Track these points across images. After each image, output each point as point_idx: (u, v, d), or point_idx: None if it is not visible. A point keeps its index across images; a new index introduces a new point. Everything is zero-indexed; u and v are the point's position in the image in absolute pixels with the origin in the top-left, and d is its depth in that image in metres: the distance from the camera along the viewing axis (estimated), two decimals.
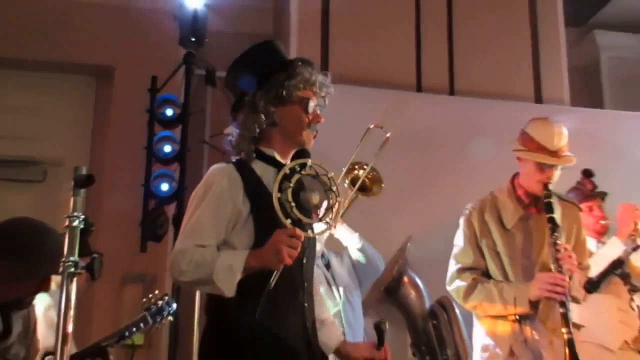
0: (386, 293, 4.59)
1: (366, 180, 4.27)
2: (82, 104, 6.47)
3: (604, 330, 3.40)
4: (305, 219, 2.34)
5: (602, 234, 4.26)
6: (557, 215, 3.41)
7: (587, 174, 4.29)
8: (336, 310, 4.05)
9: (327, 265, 4.29)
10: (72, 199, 2.05)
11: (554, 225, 3.32)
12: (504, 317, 3.40)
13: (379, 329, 2.66)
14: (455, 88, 5.93)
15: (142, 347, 5.28)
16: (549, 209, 3.38)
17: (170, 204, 5.49)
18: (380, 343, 2.63)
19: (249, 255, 2.40)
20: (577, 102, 6.39)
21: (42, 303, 3.46)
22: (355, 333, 4.12)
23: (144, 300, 3.46)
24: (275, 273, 2.32)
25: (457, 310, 3.91)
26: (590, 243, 4.20)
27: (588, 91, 6.95)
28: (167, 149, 5.50)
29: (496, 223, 3.51)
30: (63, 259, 2.01)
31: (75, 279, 2.01)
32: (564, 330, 3.15)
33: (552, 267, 3.28)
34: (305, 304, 2.59)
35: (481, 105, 5.75)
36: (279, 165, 2.49)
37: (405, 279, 4.55)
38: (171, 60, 5.68)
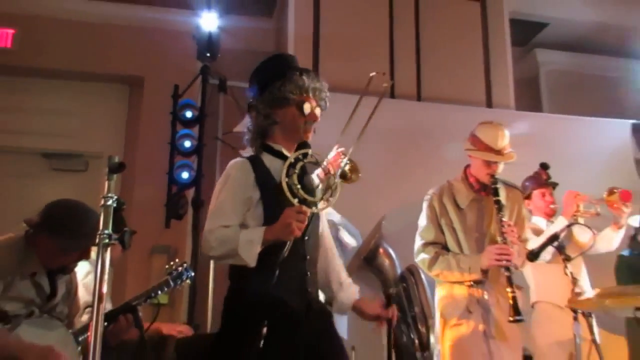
0: (365, 261, 4.59)
1: (346, 169, 4.29)
2: (117, 107, 6.45)
3: (555, 291, 3.42)
4: (309, 198, 2.37)
5: (551, 215, 4.27)
6: (502, 197, 3.46)
7: (544, 166, 4.32)
8: None
9: None
10: (106, 183, 2.06)
11: (499, 206, 3.38)
12: (460, 282, 3.42)
13: (387, 294, 2.68)
14: (422, 95, 5.92)
15: (166, 306, 5.28)
16: (496, 193, 3.42)
17: (189, 189, 5.48)
18: (387, 304, 2.65)
19: (265, 230, 2.41)
20: (521, 107, 6.42)
21: (82, 270, 3.45)
22: None
23: (167, 266, 3.47)
24: (287, 244, 2.36)
25: (422, 276, 3.92)
26: (542, 222, 4.23)
27: (529, 98, 6.97)
28: (187, 144, 5.48)
29: (452, 204, 3.54)
30: (99, 233, 2.01)
31: (109, 249, 2.01)
32: (508, 290, 3.20)
33: (499, 239, 3.33)
34: (308, 273, 2.57)
35: (443, 109, 5.78)
36: (284, 157, 2.51)
37: (381, 250, 4.55)
38: (190, 71, 5.65)
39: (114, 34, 6.22)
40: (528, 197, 4.37)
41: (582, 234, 4.14)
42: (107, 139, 6.19)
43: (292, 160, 2.39)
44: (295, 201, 2.35)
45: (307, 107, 2.59)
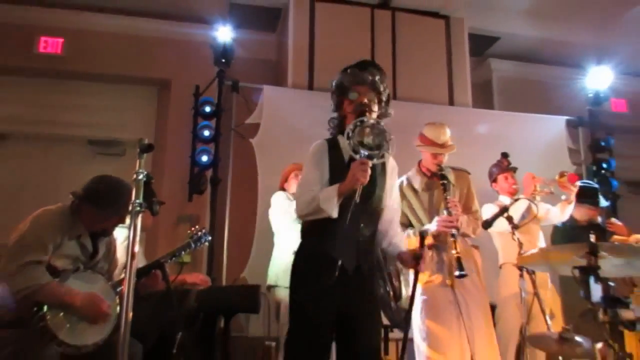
0: None
1: None
2: (149, 104, 6.40)
3: (515, 255, 3.43)
4: (370, 152, 2.32)
5: (514, 194, 4.23)
6: (452, 180, 3.52)
7: (504, 155, 4.29)
8: None
9: None
10: (138, 161, 2.06)
11: (445, 187, 3.39)
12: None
13: (421, 235, 2.61)
14: (398, 95, 5.89)
15: (188, 264, 5.28)
16: (443, 177, 3.44)
17: (208, 170, 5.45)
18: (421, 245, 2.58)
19: (339, 186, 2.37)
20: (477, 105, 6.42)
21: (121, 236, 3.45)
22: None
23: (189, 231, 3.47)
24: (357, 191, 2.29)
25: None
26: (506, 200, 4.18)
27: (484, 99, 6.95)
28: (206, 133, 5.45)
29: (410, 190, 3.57)
30: (132, 202, 2.02)
31: (140, 215, 2.01)
32: (453, 251, 3.21)
33: (445, 212, 3.33)
34: (360, 239, 2.49)
35: (415, 106, 5.74)
36: None
37: None
38: (209, 75, 5.60)
39: (146, 44, 6.17)
40: (494, 180, 4.37)
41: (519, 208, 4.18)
42: (141, 129, 6.10)
43: (352, 127, 2.34)
44: (358, 156, 2.31)
45: (352, 94, 2.56)
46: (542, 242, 4.31)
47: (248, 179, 5.38)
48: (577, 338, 2.23)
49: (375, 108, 2.57)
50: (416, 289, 2.65)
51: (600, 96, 6.32)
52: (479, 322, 3.31)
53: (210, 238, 3.49)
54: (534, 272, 3.10)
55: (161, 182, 5.74)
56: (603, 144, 6.37)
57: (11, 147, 5.97)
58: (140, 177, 2.05)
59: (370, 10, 6.10)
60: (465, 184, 3.65)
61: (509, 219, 3.35)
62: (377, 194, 2.52)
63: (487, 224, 3.33)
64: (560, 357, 2.87)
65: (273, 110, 5.49)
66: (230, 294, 3.58)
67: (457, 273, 3.17)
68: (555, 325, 3.54)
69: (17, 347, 2.44)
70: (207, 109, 5.52)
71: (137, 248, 2.02)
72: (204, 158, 5.40)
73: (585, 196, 4.45)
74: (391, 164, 2.70)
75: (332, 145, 2.58)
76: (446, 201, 3.35)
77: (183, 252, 3.24)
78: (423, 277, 3.40)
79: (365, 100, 2.51)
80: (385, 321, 3.18)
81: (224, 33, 5.53)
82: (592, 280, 2.21)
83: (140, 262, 3.03)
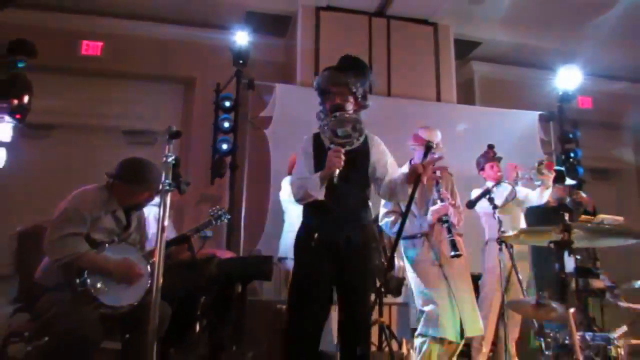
0: None
1: None
2: (176, 99, 6.34)
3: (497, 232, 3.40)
4: (342, 141, 2.38)
5: (498, 180, 4.19)
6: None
7: (490, 146, 4.23)
8: None
9: None
10: (167, 146, 2.03)
11: (437, 182, 3.33)
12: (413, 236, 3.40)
13: (427, 147, 2.62)
14: (392, 92, 5.86)
15: (210, 238, 5.28)
16: (433, 172, 3.36)
17: (227, 157, 5.38)
18: (425, 156, 2.60)
19: (320, 173, 2.41)
20: (461, 102, 6.37)
21: (153, 212, 3.43)
22: None
23: (210, 210, 3.46)
24: (334, 174, 2.33)
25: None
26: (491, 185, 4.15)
27: (467, 96, 6.87)
28: (226, 125, 5.39)
29: None
30: (162, 181, 2.00)
31: (169, 194, 1.98)
32: (447, 235, 3.18)
33: (438, 201, 3.29)
34: (347, 214, 2.51)
35: (406, 102, 5.72)
36: None
37: None
38: (228, 74, 5.53)
39: (174, 47, 6.11)
40: (482, 169, 4.31)
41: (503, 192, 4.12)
42: (170, 121, 5.88)
43: (325, 122, 2.43)
44: (332, 146, 2.38)
45: (328, 94, 2.58)
46: (522, 223, 4.26)
47: (262, 164, 5.37)
48: (552, 304, 2.18)
49: (350, 106, 2.55)
50: (411, 202, 2.61)
51: (569, 94, 6.30)
52: (466, 294, 3.27)
53: (229, 216, 3.47)
54: (512, 247, 3.05)
55: (187, 167, 5.70)
56: (571, 136, 6.35)
57: (57, 136, 5.93)
58: (170, 160, 2.03)
59: (368, 18, 6.06)
60: (449, 182, 3.56)
61: (491, 200, 3.29)
62: (360, 172, 2.56)
63: (472, 204, 3.27)
64: (534, 320, 2.84)
65: (284, 105, 5.45)
66: (246, 264, 3.56)
67: (452, 253, 3.12)
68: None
69: (61, 308, 2.41)
70: (227, 103, 5.46)
71: (166, 222, 1.98)
72: (224, 146, 5.34)
73: (559, 179, 4.44)
74: (375, 141, 2.68)
75: (317, 139, 2.59)
76: (439, 192, 3.30)
77: (205, 227, 3.23)
78: (415, 257, 3.36)
79: (338, 101, 2.52)
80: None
81: (241, 38, 5.46)
82: (565, 254, 2.16)
83: (170, 233, 3.01)
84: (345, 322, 2.46)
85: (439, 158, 2.56)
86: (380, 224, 3.50)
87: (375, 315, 4.77)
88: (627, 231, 2.22)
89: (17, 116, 2.18)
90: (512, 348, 4.08)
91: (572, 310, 1.97)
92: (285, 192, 4.19)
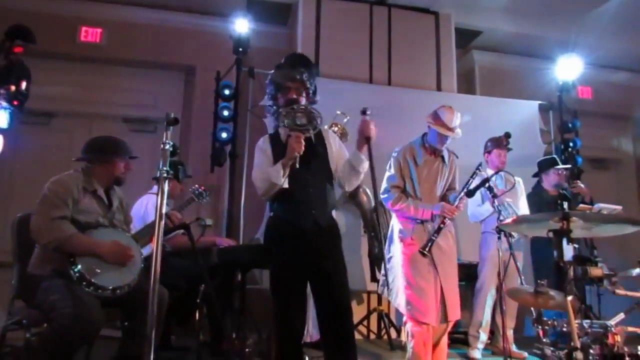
0: (350, 197, 4.54)
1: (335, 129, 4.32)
2: (177, 87, 6.27)
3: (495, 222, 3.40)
4: (301, 128, 2.51)
5: (499, 169, 4.15)
6: (447, 159, 3.44)
7: (507, 135, 4.19)
8: None
9: None
10: (164, 133, 2.02)
11: (444, 167, 3.38)
12: (413, 219, 3.36)
13: (362, 111, 2.65)
14: (392, 81, 5.82)
15: (210, 227, 5.29)
16: (443, 159, 3.44)
17: (227, 145, 5.37)
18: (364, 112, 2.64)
19: (282, 160, 2.49)
20: (461, 91, 6.33)
21: (152, 201, 3.41)
22: None
23: (191, 189, 3.56)
24: (296, 159, 2.45)
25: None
26: (490, 173, 4.12)
27: (467, 85, 6.85)
28: (226, 113, 5.37)
29: (412, 160, 3.41)
30: (159, 169, 1.97)
31: (167, 181, 1.97)
32: (435, 235, 3.25)
33: (452, 200, 3.33)
34: (313, 200, 2.56)
35: (407, 91, 5.68)
36: None
37: (360, 189, 4.51)
38: (228, 62, 5.49)
39: (174, 34, 6.04)
40: (489, 152, 4.30)
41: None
42: (170, 109, 5.88)
43: (284, 112, 2.54)
44: (292, 134, 2.50)
45: (284, 91, 2.67)
46: (526, 210, 4.26)
47: None
48: (551, 292, 2.18)
49: (304, 100, 2.66)
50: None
51: (569, 84, 6.32)
52: (450, 279, 3.29)
53: (208, 193, 3.66)
54: (511, 235, 3.05)
55: (187, 155, 5.68)
56: (570, 125, 6.38)
57: (57, 124, 5.90)
58: (167, 147, 2.02)
59: (369, 6, 5.99)
60: (454, 165, 3.54)
61: (490, 189, 3.28)
62: (318, 159, 2.62)
63: (471, 193, 3.26)
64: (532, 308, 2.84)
65: None
66: (246, 252, 3.54)
67: (422, 250, 3.21)
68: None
69: (61, 294, 2.42)
70: (227, 92, 5.43)
71: (165, 209, 1.97)
72: (224, 135, 5.33)
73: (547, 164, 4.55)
74: (329, 135, 2.78)
75: (273, 138, 2.69)
76: (460, 196, 3.31)
77: (188, 205, 3.25)
78: (406, 239, 3.36)
79: (295, 96, 2.63)
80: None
81: (241, 25, 5.42)
82: (564, 242, 2.15)
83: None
84: (326, 308, 2.50)
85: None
86: (382, 196, 3.46)
87: (374, 303, 4.82)
88: (626, 219, 2.21)
89: (15, 103, 2.15)
90: (510, 336, 4.09)
91: (570, 298, 1.96)
92: None
